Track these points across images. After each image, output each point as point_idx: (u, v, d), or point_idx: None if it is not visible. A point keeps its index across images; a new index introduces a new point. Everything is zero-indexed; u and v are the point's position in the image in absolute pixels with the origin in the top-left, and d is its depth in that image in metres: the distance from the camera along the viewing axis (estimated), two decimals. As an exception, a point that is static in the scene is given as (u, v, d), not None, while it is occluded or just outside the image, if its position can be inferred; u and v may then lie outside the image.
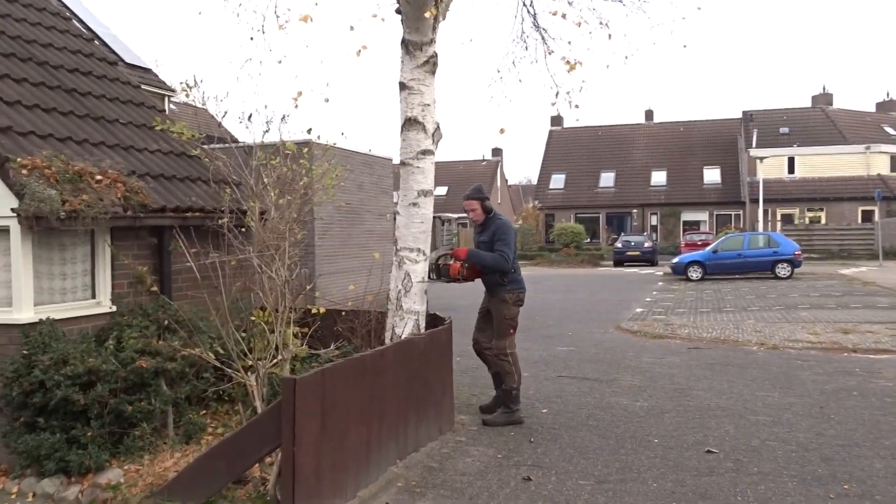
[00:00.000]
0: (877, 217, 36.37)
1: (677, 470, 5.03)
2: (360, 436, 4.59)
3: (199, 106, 6.69)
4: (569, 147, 47.43)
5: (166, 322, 5.49)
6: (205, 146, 6.85)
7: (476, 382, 7.70)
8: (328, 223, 14.38)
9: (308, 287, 4.48)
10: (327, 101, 6.59)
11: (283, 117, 6.96)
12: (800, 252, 22.62)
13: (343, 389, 4.40)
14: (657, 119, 49.31)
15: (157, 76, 15.20)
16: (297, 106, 6.53)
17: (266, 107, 8.22)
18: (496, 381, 6.52)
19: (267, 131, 6.96)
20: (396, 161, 6.27)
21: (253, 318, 5.82)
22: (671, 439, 5.72)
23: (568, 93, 7.04)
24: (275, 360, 4.72)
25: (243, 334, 4.89)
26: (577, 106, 7.15)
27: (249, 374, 4.66)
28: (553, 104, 7.16)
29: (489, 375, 6.60)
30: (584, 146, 47.33)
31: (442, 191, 53.44)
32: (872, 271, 25.00)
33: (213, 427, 5.49)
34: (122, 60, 12.97)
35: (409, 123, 5.73)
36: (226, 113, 6.14)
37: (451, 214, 43.06)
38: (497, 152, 57.50)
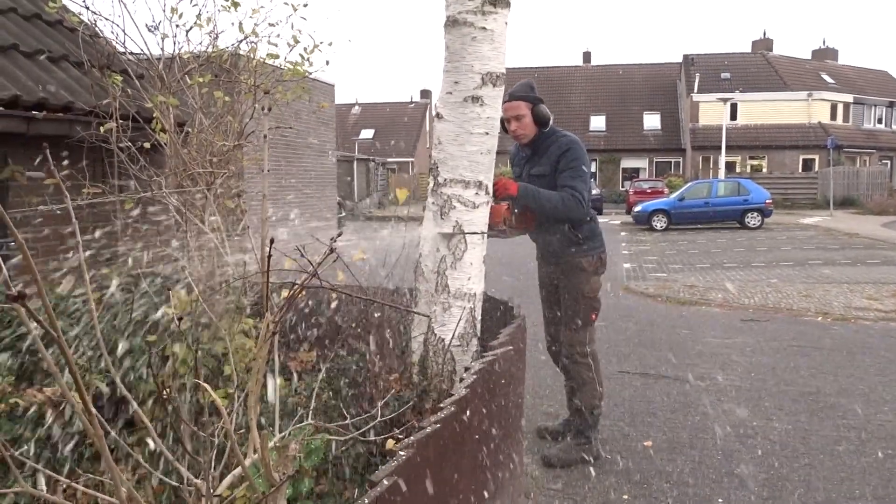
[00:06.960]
0: (817, 167, 35.75)
1: None
2: None
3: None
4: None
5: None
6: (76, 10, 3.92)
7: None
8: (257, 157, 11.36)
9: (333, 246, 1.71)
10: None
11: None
12: (771, 201, 21.05)
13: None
14: (595, 62, 47.14)
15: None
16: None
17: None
18: (571, 397, 4.06)
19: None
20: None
21: (171, 312, 3.07)
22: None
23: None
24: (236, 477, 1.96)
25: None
26: None
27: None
28: None
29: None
30: (519, 88, 44.62)
31: (369, 133, 49.95)
32: (830, 221, 23.85)
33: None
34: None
35: (469, -56, 3.00)
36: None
37: (380, 158, 39.95)
38: (426, 94, 54.10)
